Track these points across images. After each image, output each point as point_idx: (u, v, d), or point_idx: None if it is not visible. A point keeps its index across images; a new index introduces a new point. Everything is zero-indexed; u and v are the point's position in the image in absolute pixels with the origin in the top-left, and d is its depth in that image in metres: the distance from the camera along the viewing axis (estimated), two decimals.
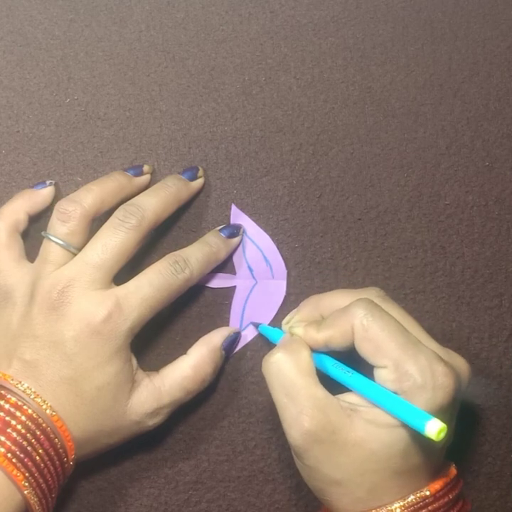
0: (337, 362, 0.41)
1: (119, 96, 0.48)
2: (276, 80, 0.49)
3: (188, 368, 0.44)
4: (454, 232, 0.48)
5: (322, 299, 0.43)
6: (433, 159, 0.48)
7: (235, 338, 0.46)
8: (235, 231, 0.46)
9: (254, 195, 0.48)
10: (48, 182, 0.46)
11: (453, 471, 0.40)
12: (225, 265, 0.47)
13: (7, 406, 0.39)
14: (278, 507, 0.46)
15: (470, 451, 0.47)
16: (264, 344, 0.47)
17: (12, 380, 0.40)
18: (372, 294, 0.41)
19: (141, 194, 0.44)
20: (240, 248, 0.47)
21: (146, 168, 0.46)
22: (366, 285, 0.44)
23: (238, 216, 0.47)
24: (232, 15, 0.49)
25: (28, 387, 0.40)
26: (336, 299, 0.42)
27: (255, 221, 0.47)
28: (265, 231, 0.47)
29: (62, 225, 0.42)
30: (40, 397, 0.40)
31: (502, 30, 0.49)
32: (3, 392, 0.40)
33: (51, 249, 0.42)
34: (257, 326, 0.46)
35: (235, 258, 0.47)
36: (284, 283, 0.47)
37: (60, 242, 0.42)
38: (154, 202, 0.43)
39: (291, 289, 0.47)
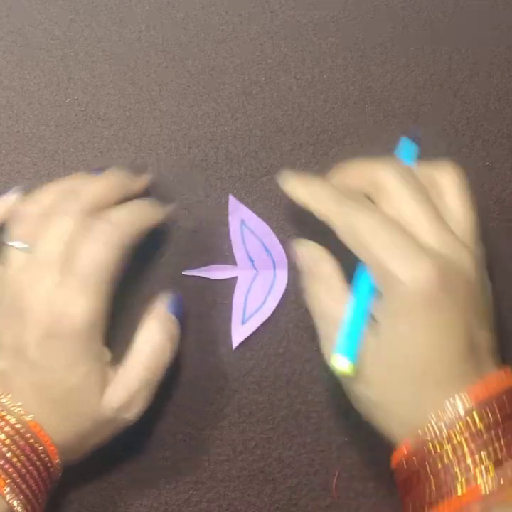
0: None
1: (119, 96, 0.48)
2: (276, 79, 0.49)
3: (143, 346, 0.42)
4: None
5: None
6: (433, 159, 0.48)
7: (177, 298, 0.45)
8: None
9: (254, 195, 0.48)
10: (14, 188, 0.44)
11: (500, 374, 0.38)
12: (226, 257, 0.47)
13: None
14: (278, 507, 0.46)
15: None
16: (264, 344, 0.47)
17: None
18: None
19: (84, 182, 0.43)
20: (240, 239, 0.47)
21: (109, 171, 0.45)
22: None
23: (237, 207, 0.47)
24: (232, 15, 0.49)
25: (4, 395, 0.39)
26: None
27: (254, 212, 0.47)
28: (265, 221, 0.47)
29: (20, 228, 0.42)
30: (16, 404, 0.39)
31: (502, 30, 0.49)
32: None
33: (11, 254, 0.41)
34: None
35: (235, 249, 0.47)
36: (286, 272, 0.47)
37: (19, 246, 0.41)
38: (97, 186, 0.42)
39: (291, 288, 0.47)
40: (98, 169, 0.45)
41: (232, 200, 0.47)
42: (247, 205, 0.48)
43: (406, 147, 0.44)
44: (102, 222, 0.41)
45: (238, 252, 0.47)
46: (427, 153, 0.44)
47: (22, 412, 0.39)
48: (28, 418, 0.39)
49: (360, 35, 0.49)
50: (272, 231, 0.47)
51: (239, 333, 0.46)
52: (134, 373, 0.41)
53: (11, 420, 0.38)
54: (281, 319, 0.46)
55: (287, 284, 0.47)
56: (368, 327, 0.39)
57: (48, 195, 0.42)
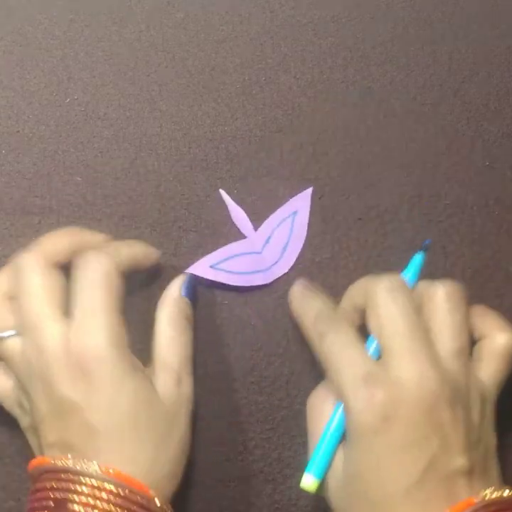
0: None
1: (119, 96, 0.48)
2: (276, 79, 0.49)
3: (165, 330, 0.43)
4: (454, 231, 0.48)
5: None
6: (433, 159, 0.48)
7: (190, 280, 0.45)
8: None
9: (254, 195, 0.48)
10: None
11: (468, 502, 0.36)
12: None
13: (84, 489, 0.36)
14: (278, 507, 0.46)
15: None
16: (263, 344, 0.47)
17: (68, 460, 0.37)
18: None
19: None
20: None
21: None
22: None
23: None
24: (232, 15, 0.49)
25: (74, 457, 0.37)
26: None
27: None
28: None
29: None
30: (99, 466, 0.37)
31: (502, 30, 0.49)
32: (63, 475, 0.37)
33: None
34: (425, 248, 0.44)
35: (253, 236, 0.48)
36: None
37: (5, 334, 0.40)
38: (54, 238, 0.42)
39: (291, 288, 0.47)
40: None
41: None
42: (247, 205, 0.48)
43: (417, 262, 0.44)
44: (93, 253, 0.40)
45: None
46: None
47: (110, 470, 0.37)
48: (113, 472, 0.37)
49: (360, 35, 0.49)
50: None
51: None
52: (171, 354, 0.42)
53: (108, 487, 0.37)
54: (281, 319, 0.46)
55: (283, 297, 0.47)
56: (341, 445, 0.39)
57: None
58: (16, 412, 0.42)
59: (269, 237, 0.47)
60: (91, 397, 0.38)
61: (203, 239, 0.47)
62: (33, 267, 0.40)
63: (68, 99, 0.48)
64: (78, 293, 0.39)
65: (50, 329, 0.39)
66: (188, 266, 0.46)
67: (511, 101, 0.49)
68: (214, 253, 0.47)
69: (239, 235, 0.47)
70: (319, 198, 0.48)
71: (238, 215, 0.47)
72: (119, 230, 0.47)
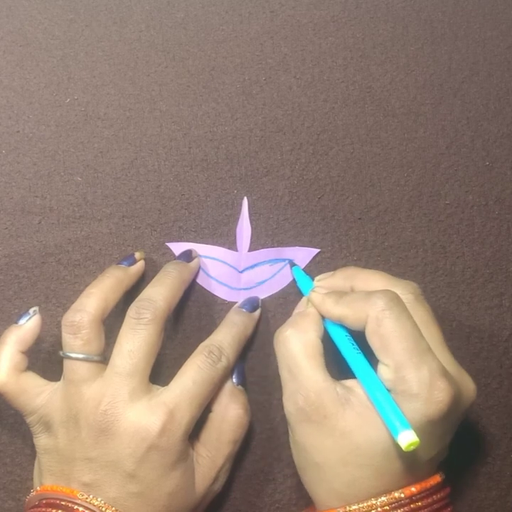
0: (349, 335, 0.41)
1: (119, 96, 0.48)
2: (276, 79, 0.49)
3: (222, 424, 0.43)
4: (454, 231, 0.48)
5: (359, 273, 0.43)
6: (433, 159, 0.48)
7: (240, 367, 0.45)
8: (255, 304, 0.46)
9: (254, 195, 0.48)
10: (31, 311, 0.43)
11: (436, 478, 0.39)
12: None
13: None
14: (278, 507, 0.46)
15: (470, 451, 0.47)
16: (264, 343, 0.47)
17: (82, 495, 0.39)
18: (407, 289, 0.41)
19: (147, 287, 0.43)
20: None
21: (137, 255, 0.46)
22: None
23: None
24: (232, 15, 0.49)
25: (101, 500, 0.39)
26: (372, 279, 0.42)
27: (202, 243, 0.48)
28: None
29: (75, 338, 0.41)
30: (113, 509, 0.39)
31: (502, 30, 0.49)
32: (75, 507, 0.39)
33: (74, 367, 0.41)
34: (292, 265, 0.47)
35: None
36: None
37: (80, 356, 0.41)
38: (162, 291, 0.43)
39: (291, 288, 0.47)
40: (129, 258, 0.46)
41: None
42: (247, 205, 0.48)
43: (300, 274, 0.46)
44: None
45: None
46: None
47: None
48: None
49: (360, 35, 0.49)
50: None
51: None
52: (220, 453, 0.43)
53: None
54: (281, 319, 0.46)
55: (283, 298, 0.47)
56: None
57: (95, 300, 0.42)
58: (36, 428, 0.42)
59: (255, 265, 0.47)
60: (143, 467, 0.39)
61: (203, 239, 0.47)
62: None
63: (68, 99, 0.48)
64: (184, 374, 0.41)
65: (131, 392, 0.40)
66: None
67: (511, 101, 0.49)
68: (201, 244, 0.47)
69: (234, 244, 0.48)
70: (319, 198, 0.48)
71: (243, 229, 0.47)
72: (119, 230, 0.47)
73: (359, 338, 0.40)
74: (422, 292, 0.41)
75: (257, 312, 0.46)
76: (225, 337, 0.44)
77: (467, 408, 0.40)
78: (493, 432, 0.47)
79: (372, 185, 0.48)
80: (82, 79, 0.48)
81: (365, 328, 0.39)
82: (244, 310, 0.46)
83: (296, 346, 0.40)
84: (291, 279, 0.47)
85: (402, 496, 0.38)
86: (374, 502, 0.37)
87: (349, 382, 0.39)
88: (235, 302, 0.47)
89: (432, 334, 0.39)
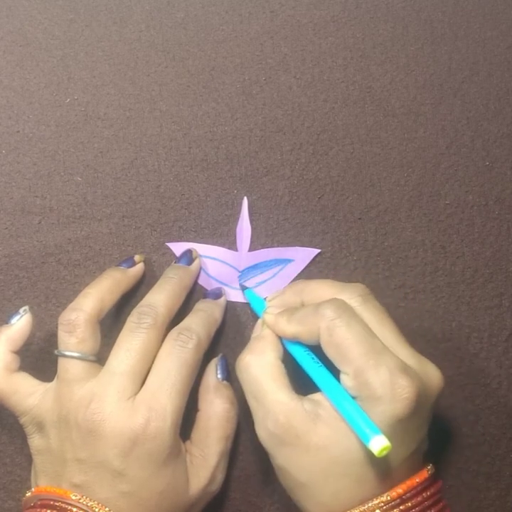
0: (309, 351, 0.41)
1: (119, 96, 0.48)
2: (276, 79, 0.49)
3: (210, 422, 0.43)
4: (454, 231, 0.48)
5: (307, 286, 0.43)
6: (433, 159, 0.48)
7: (223, 362, 0.45)
8: (218, 292, 0.46)
9: (254, 195, 0.48)
10: (22, 310, 0.43)
11: (423, 474, 0.39)
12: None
13: None
14: (278, 507, 0.46)
15: (469, 451, 0.47)
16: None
17: (75, 496, 0.39)
18: (356, 291, 0.41)
19: (148, 294, 0.43)
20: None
21: (137, 257, 0.46)
22: (366, 285, 0.44)
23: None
24: (232, 15, 0.49)
25: (94, 501, 0.39)
26: (320, 290, 0.42)
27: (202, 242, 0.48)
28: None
29: (70, 336, 0.41)
30: (106, 509, 0.39)
31: (502, 30, 0.49)
32: (69, 507, 0.39)
33: (68, 366, 0.41)
34: (244, 288, 0.47)
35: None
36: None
37: (74, 355, 0.41)
38: (163, 297, 0.43)
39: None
40: (128, 260, 0.46)
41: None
42: (247, 205, 0.48)
43: (252, 295, 0.46)
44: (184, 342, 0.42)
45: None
46: None
47: None
48: None
49: (360, 35, 0.49)
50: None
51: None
52: (209, 450, 0.43)
53: None
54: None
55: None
56: None
57: (92, 300, 0.42)
58: (30, 428, 0.42)
59: (255, 265, 0.47)
60: (132, 466, 0.39)
61: (203, 239, 0.47)
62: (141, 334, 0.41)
63: (68, 99, 0.48)
64: (157, 365, 0.41)
65: (127, 390, 0.40)
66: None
67: (511, 101, 0.49)
68: (201, 244, 0.47)
69: (234, 244, 0.48)
70: (319, 198, 0.48)
71: (243, 229, 0.47)
72: (119, 230, 0.47)
73: (320, 351, 0.40)
74: (370, 292, 0.41)
75: (222, 299, 0.46)
76: (192, 320, 0.43)
77: (437, 396, 0.39)
78: (492, 432, 0.47)
79: (372, 185, 0.48)
80: (82, 79, 0.48)
81: (320, 340, 0.39)
82: (208, 298, 0.46)
83: (257, 371, 0.40)
84: (291, 278, 0.47)
85: (389, 498, 0.37)
86: (362, 508, 0.37)
87: (317, 396, 0.39)
88: (235, 302, 0.47)
89: (386, 332, 0.39)
